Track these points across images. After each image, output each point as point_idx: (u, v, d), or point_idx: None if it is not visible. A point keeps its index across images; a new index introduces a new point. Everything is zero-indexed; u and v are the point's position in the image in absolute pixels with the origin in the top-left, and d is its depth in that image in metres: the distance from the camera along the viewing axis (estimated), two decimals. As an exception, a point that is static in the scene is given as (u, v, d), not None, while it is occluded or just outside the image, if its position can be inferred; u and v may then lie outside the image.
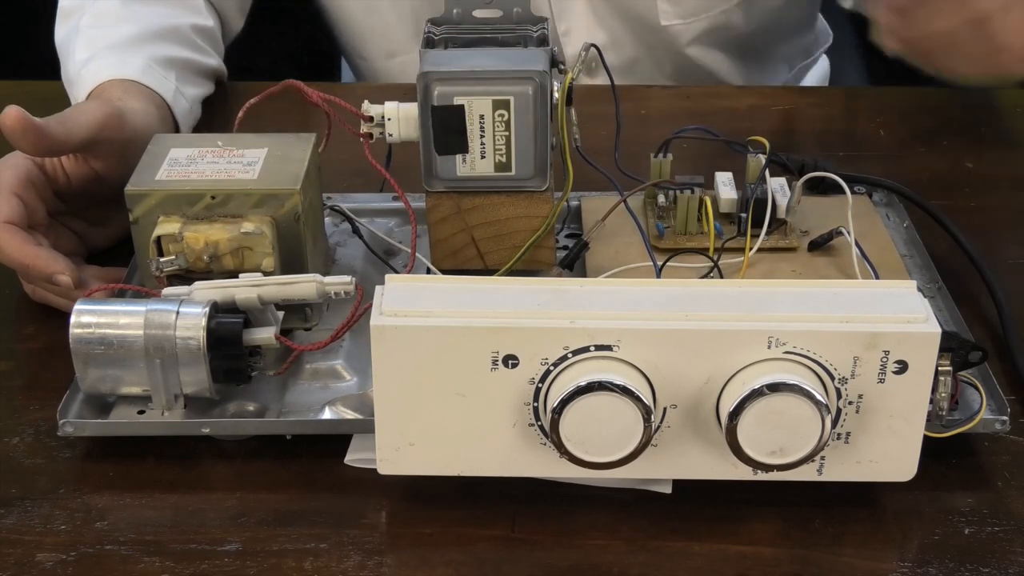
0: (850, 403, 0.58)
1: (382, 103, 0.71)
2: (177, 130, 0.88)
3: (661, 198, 0.77)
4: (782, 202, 0.75)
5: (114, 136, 0.77)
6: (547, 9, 1.06)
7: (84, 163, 0.77)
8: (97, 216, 0.79)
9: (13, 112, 0.71)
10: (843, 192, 0.75)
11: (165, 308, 0.63)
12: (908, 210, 0.81)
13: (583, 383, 0.56)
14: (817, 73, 1.27)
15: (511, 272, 0.71)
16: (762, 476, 0.59)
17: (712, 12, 1.08)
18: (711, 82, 1.12)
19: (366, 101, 0.71)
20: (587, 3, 1.07)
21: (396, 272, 0.74)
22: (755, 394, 0.56)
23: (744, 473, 0.59)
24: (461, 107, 0.68)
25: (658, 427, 0.58)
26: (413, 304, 0.57)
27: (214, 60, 1.00)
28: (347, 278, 0.66)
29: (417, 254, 0.71)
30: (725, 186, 0.77)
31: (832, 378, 0.57)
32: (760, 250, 0.74)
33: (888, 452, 0.59)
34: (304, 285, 0.65)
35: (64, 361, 0.64)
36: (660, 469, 0.60)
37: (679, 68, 1.11)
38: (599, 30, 1.07)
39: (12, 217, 0.72)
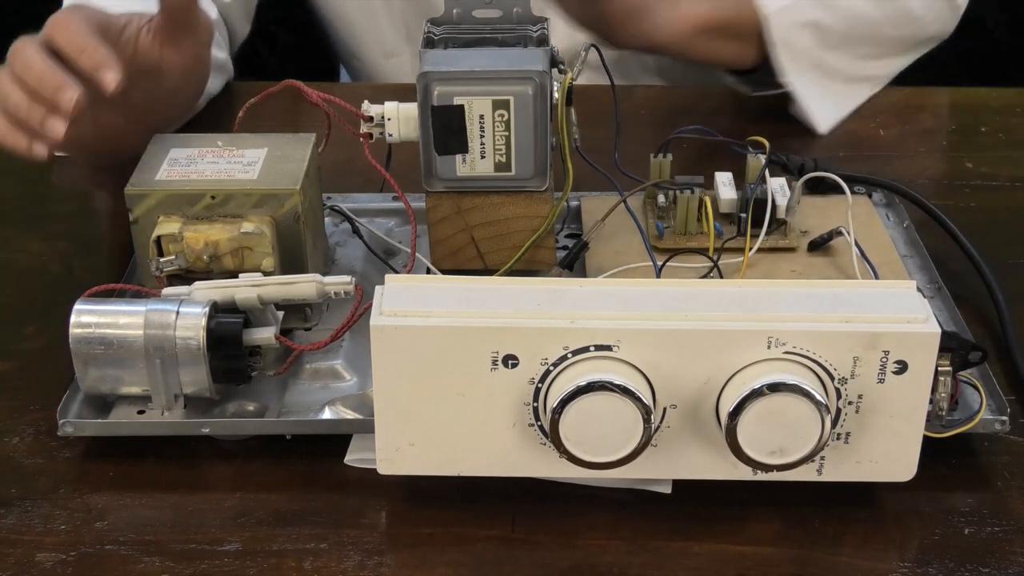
0: (850, 403, 0.58)
1: (382, 103, 0.71)
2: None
3: (661, 198, 0.77)
4: (782, 202, 0.75)
5: (203, 36, 0.78)
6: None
7: (157, 48, 0.78)
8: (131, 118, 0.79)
9: None
10: (843, 192, 0.75)
11: (165, 308, 0.63)
12: (908, 210, 0.81)
13: (583, 383, 0.56)
14: None
15: (511, 272, 0.71)
16: (762, 476, 0.59)
17: None
18: (697, 71, 1.10)
19: (366, 101, 0.71)
20: None
21: (396, 272, 0.74)
22: (755, 394, 0.56)
23: (744, 473, 0.59)
24: (461, 107, 0.68)
25: (658, 427, 0.58)
26: (413, 304, 0.57)
27: (222, 54, 0.99)
28: (347, 278, 0.66)
29: (417, 254, 0.71)
30: (725, 186, 0.77)
31: (832, 378, 0.57)
32: (760, 250, 0.74)
33: (888, 452, 0.59)
34: (304, 285, 0.65)
35: (64, 361, 0.64)
36: (660, 469, 0.60)
37: (662, 59, 1.10)
38: (579, 31, 1.06)
39: (95, 14, 0.73)
